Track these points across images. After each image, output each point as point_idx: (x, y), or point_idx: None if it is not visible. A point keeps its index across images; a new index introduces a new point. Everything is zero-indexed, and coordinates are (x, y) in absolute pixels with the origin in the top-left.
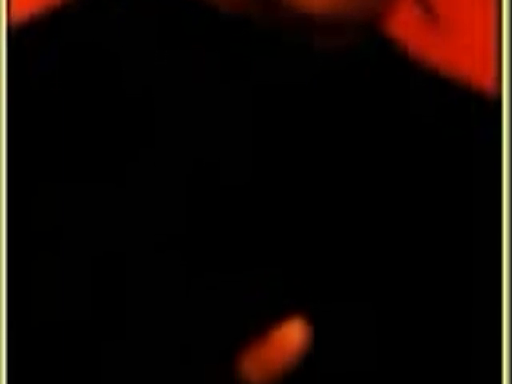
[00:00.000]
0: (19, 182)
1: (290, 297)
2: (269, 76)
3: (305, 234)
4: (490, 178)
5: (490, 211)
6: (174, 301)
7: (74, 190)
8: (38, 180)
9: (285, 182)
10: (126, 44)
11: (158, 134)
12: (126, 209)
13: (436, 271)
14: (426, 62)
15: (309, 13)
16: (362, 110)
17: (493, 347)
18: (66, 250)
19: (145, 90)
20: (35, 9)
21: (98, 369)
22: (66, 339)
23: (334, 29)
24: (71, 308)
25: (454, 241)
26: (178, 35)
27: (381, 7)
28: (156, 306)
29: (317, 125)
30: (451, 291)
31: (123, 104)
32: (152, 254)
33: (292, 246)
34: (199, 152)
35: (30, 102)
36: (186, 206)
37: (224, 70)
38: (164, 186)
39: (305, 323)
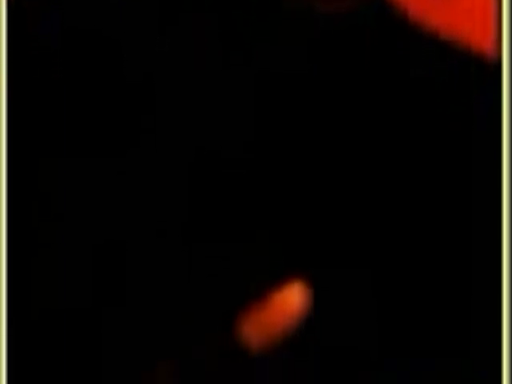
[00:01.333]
0: (19, 158)
1: (290, 261)
2: (270, 43)
3: (306, 201)
4: (489, 140)
5: (489, 173)
6: (175, 265)
7: (75, 173)
8: (38, 163)
9: (285, 148)
10: (127, 24)
11: (160, 116)
12: (127, 183)
13: (434, 239)
14: (425, 26)
15: None
16: (362, 73)
17: (492, 317)
18: (67, 227)
19: (146, 65)
20: None
21: (99, 347)
22: (66, 322)
23: None
24: (71, 282)
25: (453, 209)
26: (177, 7)
27: None
28: (156, 272)
29: (317, 88)
30: (450, 258)
31: (125, 84)
32: (153, 225)
33: (293, 213)
34: (200, 132)
35: (31, 78)
36: (187, 184)
37: (225, 39)
38: (165, 166)
39: (305, 287)
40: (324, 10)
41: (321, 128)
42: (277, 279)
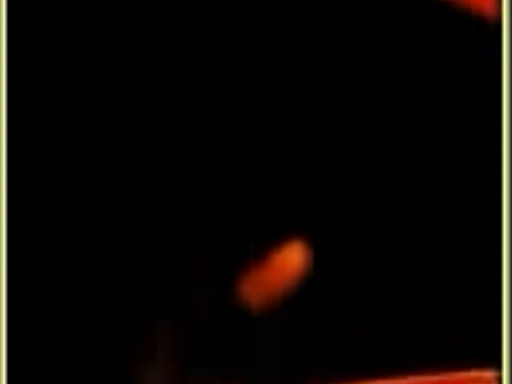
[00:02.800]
0: (19, 94)
1: (290, 221)
2: None
3: (306, 159)
4: (489, 101)
5: (489, 133)
6: (175, 221)
7: (74, 100)
8: (38, 91)
9: (287, 102)
10: None
11: (159, 42)
12: (126, 117)
13: (436, 196)
14: None
15: None
16: (362, 33)
17: (492, 277)
18: (67, 157)
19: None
20: None
21: (96, 270)
22: (65, 241)
23: None
24: (71, 214)
25: (454, 166)
26: None
27: None
28: (156, 235)
29: (315, 37)
30: (450, 217)
31: (123, 12)
32: (152, 165)
33: (293, 172)
34: (198, 63)
35: (29, 18)
36: (185, 115)
37: None
38: (164, 95)
39: (304, 247)
40: None
41: (323, 79)
42: (277, 239)
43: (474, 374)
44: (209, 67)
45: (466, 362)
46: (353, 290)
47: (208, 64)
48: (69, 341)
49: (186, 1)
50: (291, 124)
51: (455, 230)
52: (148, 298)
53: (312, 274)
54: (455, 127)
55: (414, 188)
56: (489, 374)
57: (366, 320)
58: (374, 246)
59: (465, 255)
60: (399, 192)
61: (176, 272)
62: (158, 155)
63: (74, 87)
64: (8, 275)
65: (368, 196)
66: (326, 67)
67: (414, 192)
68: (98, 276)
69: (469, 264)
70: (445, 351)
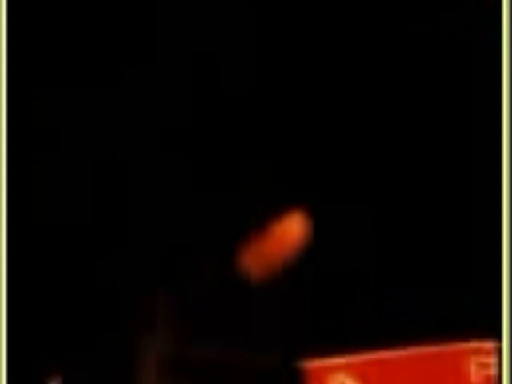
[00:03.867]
0: (20, 88)
1: (290, 193)
2: None
3: (307, 133)
4: (489, 72)
5: (489, 106)
6: (174, 196)
7: (74, 93)
8: (39, 86)
9: (286, 77)
10: None
11: (159, 34)
12: (126, 111)
13: (435, 172)
14: None
15: None
16: (361, 8)
17: (492, 248)
18: (67, 151)
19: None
20: None
21: (96, 265)
22: (65, 239)
23: None
24: (71, 209)
25: (452, 141)
26: None
27: None
28: (155, 200)
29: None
30: (450, 192)
31: (123, 4)
32: (152, 155)
33: (294, 145)
34: (198, 51)
35: (30, 11)
36: (185, 106)
37: None
38: (164, 89)
39: (304, 218)
40: None
41: (323, 59)
42: (277, 211)
43: (473, 344)
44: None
45: (466, 333)
46: (352, 262)
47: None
48: (70, 317)
49: None
50: (292, 102)
51: (454, 201)
52: (149, 272)
53: (311, 245)
54: (452, 103)
55: (412, 163)
56: (489, 345)
57: (365, 292)
58: (372, 217)
59: (464, 226)
60: (397, 167)
61: (177, 245)
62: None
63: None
64: (8, 247)
65: (367, 170)
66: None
67: (413, 167)
68: (99, 251)
69: (468, 236)
70: (445, 323)
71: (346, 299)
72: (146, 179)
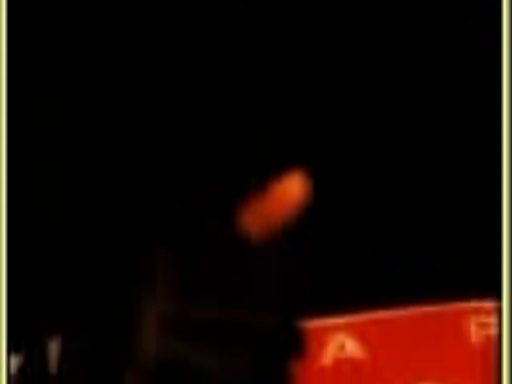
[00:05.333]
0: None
1: (290, 152)
2: None
3: (305, 92)
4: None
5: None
6: (176, 155)
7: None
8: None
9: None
10: None
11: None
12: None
13: (436, 125)
14: None
15: None
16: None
17: (492, 213)
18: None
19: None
20: None
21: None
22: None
23: None
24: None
25: (454, 98)
26: None
27: None
28: (156, 160)
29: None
30: (451, 146)
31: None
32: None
33: (293, 105)
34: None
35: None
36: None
37: None
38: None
39: (304, 177)
40: None
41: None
42: (277, 170)
43: (474, 304)
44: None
45: (467, 292)
46: (352, 220)
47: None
48: (70, 277)
49: None
50: (292, 48)
51: (455, 161)
52: (148, 230)
53: (312, 204)
54: (454, 71)
55: (412, 117)
56: (489, 305)
57: (365, 251)
58: (372, 177)
59: (464, 185)
60: (397, 121)
61: (176, 203)
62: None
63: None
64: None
65: (367, 128)
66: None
67: (414, 121)
68: (100, 209)
69: (468, 195)
70: (445, 282)
71: (346, 258)
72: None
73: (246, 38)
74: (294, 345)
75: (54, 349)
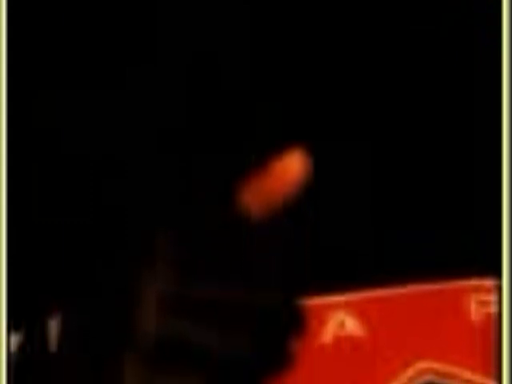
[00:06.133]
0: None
1: (290, 130)
2: None
3: (306, 68)
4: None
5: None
6: (175, 133)
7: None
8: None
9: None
10: None
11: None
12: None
13: (436, 108)
14: None
15: None
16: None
17: (493, 190)
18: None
19: None
20: None
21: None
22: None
23: None
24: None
25: (453, 87)
26: None
27: None
28: (156, 140)
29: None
30: (449, 130)
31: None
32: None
33: (293, 82)
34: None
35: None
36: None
37: None
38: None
39: (305, 155)
40: None
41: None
42: (277, 148)
43: (474, 282)
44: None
45: (467, 270)
46: (352, 199)
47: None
48: (70, 255)
49: None
50: (292, 27)
51: (454, 139)
52: (149, 209)
53: (312, 183)
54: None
55: (412, 101)
56: (489, 283)
57: (365, 229)
58: (373, 155)
59: (464, 162)
60: (398, 104)
61: (177, 183)
62: None
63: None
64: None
65: (367, 107)
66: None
67: (414, 105)
68: (101, 189)
69: (469, 173)
70: (445, 260)
71: (346, 237)
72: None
73: (247, 24)
74: (294, 323)
75: (53, 327)
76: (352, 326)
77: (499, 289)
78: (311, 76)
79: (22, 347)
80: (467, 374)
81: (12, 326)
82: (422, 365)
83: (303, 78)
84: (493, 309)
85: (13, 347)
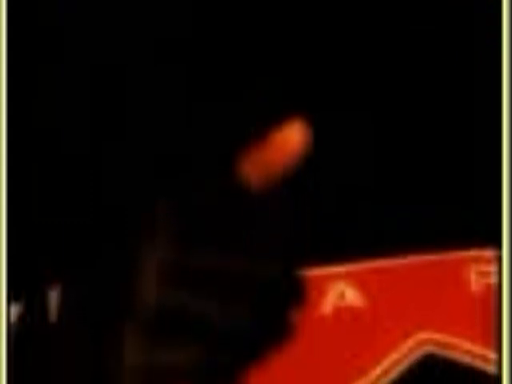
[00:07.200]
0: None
1: (290, 100)
2: None
3: (306, 38)
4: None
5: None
6: (174, 105)
7: None
8: None
9: None
10: None
11: None
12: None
13: (435, 82)
14: None
15: None
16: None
17: (493, 161)
18: (67, 59)
19: None
20: None
21: (99, 184)
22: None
23: None
24: (71, 112)
25: (452, 44)
26: None
27: None
28: (156, 111)
29: None
30: (449, 106)
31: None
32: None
33: (293, 51)
34: None
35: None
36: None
37: None
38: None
39: (305, 125)
40: None
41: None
42: (277, 118)
43: (474, 253)
44: None
45: (467, 241)
46: (352, 170)
47: None
48: (70, 226)
49: None
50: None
51: (455, 112)
52: (149, 180)
53: (312, 154)
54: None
55: (413, 71)
56: (489, 253)
57: (365, 201)
58: (373, 124)
59: (465, 134)
60: (399, 74)
61: (177, 154)
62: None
63: None
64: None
65: (368, 77)
66: None
67: (414, 76)
68: (100, 162)
69: (469, 144)
70: (445, 230)
71: (347, 207)
72: (146, 88)
73: None
74: (294, 293)
75: (53, 298)
76: (352, 296)
77: (499, 259)
78: (311, 46)
79: (22, 318)
80: (467, 345)
81: (12, 296)
82: (422, 335)
83: (303, 48)
84: (493, 279)
85: (13, 318)
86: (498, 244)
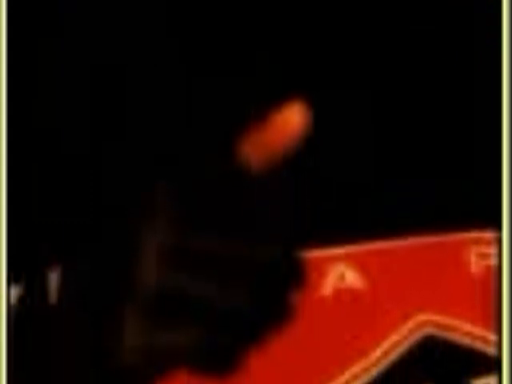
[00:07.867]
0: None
1: (289, 82)
2: None
3: (305, 20)
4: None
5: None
6: (174, 87)
7: None
8: None
9: None
10: None
11: None
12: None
13: (436, 56)
14: None
15: None
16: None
17: (493, 137)
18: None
19: None
20: None
21: (99, 167)
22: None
23: None
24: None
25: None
26: None
27: None
28: (155, 92)
29: None
30: (449, 80)
31: None
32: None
33: (292, 33)
34: None
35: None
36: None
37: None
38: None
39: (305, 107)
40: None
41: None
42: (277, 100)
43: (474, 234)
44: None
45: (467, 222)
46: (352, 149)
47: None
48: (70, 207)
49: None
50: None
51: (454, 89)
52: (148, 164)
53: (312, 134)
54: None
55: (412, 47)
56: (489, 235)
57: (365, 181)
58: (373, 106)
59: (465, 114)
60: (398, 52)
61: (175, 138)
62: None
63: None
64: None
65: (367, 57)
66: None
67: (413, 52)
68: (99, 142)
69: (469, 124)
70: (445, 212)
71: (347, 189)
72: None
73: None
74: (294, 275)
75: (53, 279)
76: (352, 278)
77: (499, 241)
78: (310, 25)
79: (21, 299)
80: (467, 327)
81: (12, 278)
82: (422, 317)
83: (302, 28)
84: (493, 261)
85: (13, 299)
86: (498, 226)
